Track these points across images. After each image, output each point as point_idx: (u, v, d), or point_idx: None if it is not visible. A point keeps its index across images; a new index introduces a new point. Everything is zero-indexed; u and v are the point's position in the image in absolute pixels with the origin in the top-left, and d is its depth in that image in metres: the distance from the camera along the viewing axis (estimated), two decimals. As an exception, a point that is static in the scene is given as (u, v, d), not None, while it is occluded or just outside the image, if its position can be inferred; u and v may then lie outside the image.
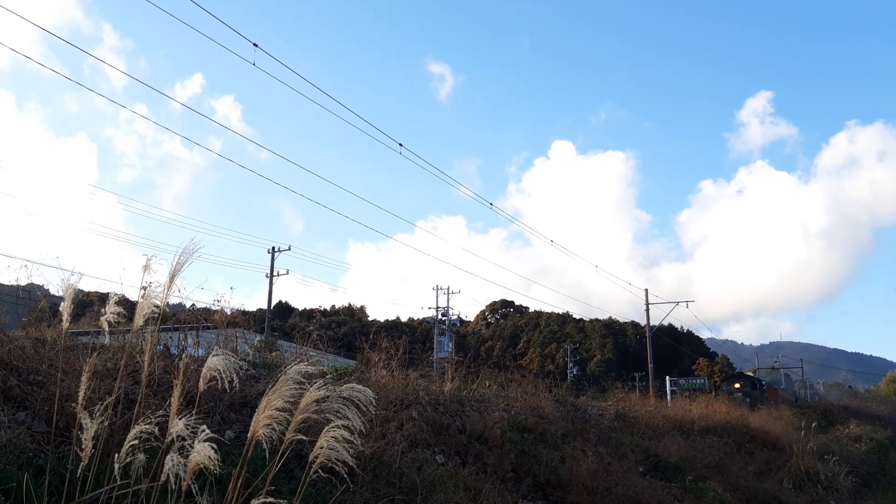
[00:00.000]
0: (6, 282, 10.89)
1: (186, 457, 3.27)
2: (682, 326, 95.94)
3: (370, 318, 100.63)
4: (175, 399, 3.49)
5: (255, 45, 14.60)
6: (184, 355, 6.49)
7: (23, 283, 10.63)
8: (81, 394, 3.51)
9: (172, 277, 3.84)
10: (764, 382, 57.86)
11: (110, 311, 3.71)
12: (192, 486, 3.41)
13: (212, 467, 3.20)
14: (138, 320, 3.79)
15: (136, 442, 3.32)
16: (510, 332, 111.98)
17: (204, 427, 3.29)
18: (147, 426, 3.32)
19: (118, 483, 3.46)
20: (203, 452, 3.08)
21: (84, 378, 3.54)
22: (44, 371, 6.04)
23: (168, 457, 3.25)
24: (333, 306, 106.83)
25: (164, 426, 3.49)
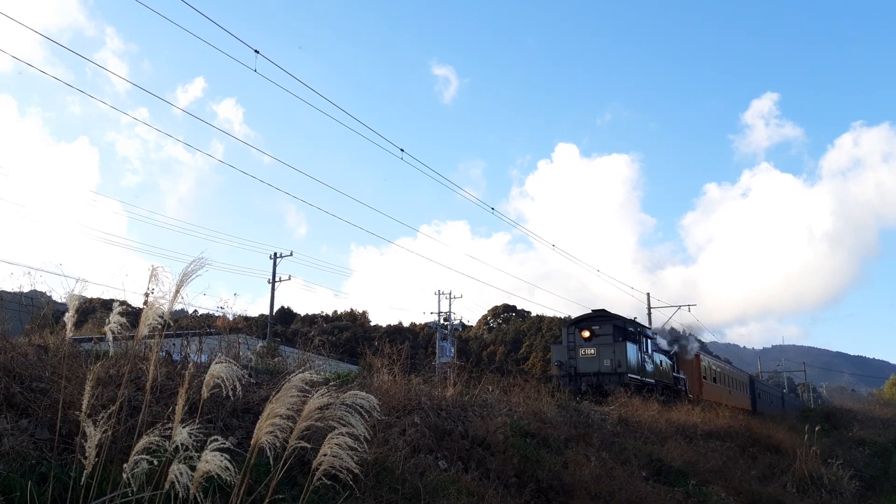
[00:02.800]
0: (9, 289, 10.92)
1: (191, 465, 3.28)
2: (684, 330, 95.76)
3: (372, 324, 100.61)
4: (179, 407, 3.49)
5: (256, 51, 14.68)
6: (189, 364, 6.50)
7: (26, 289, 10.66)
8: (85, 402, 3.52)
9: (178, 289, 3.86)
10: (677, 343, 34.16)
11: (114, 320, 3.72)
12: (198, 494, 3.42)
13: (226, 477, 3.21)
14: (142, 329, 3.80)
15: (146, 455, 3.33)
16: (512, 337, 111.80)
17: (216, 437, 3.29)
18: (155, 438, 3.33)
19: (122, 490, 3.46)
20: (214, 462, 3.08)
21: (88, 386, 3.55)
22: (47, 378, 6.05)
23: (173, 466, 3.25)
24: (336, 311, 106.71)
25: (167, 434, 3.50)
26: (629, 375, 24.05)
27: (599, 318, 26.95)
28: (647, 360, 26.50)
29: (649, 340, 28.16)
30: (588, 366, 25.10)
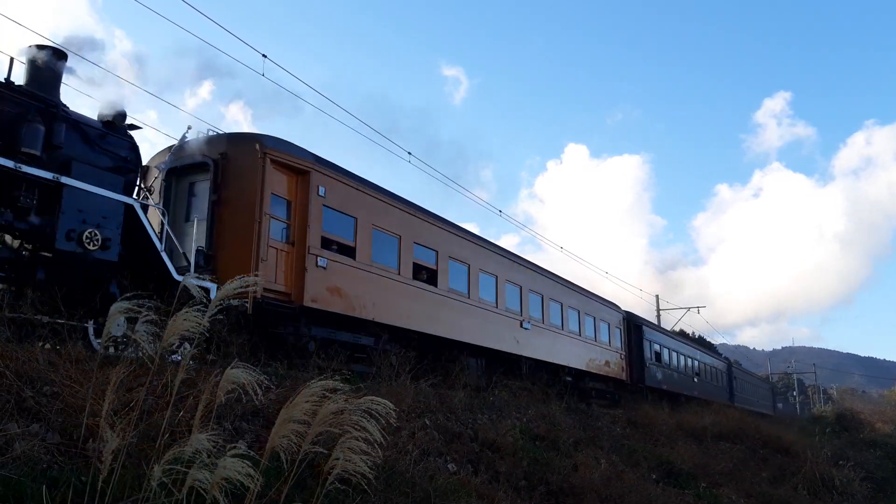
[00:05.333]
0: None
1: (208, 470, 3.29)
2: (693, 332, 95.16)
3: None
4: (198, 414, 3.50)
5: (264, 55, 14.67)
6: (204, 371, 6.50)
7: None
8: (106, 406, 3.53)
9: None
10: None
11: (141, 329, 3.73)
12: (221, 498, 3.42)
13: (248, 483, 3.20)
14: (168, 338, 3.81)
15: (170, 465, 3.34)
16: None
17: (234, 445, 3.30)
18: (179, 449, 3.34)
19: (144, 495, 3.47)
20: (234, 468, 3.09)
21: (108, 391, 3.56)
22: (58, 383, 6.06)
23: (192, 471, 3.26)
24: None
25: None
26: None
27: None
28: None
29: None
30: None
